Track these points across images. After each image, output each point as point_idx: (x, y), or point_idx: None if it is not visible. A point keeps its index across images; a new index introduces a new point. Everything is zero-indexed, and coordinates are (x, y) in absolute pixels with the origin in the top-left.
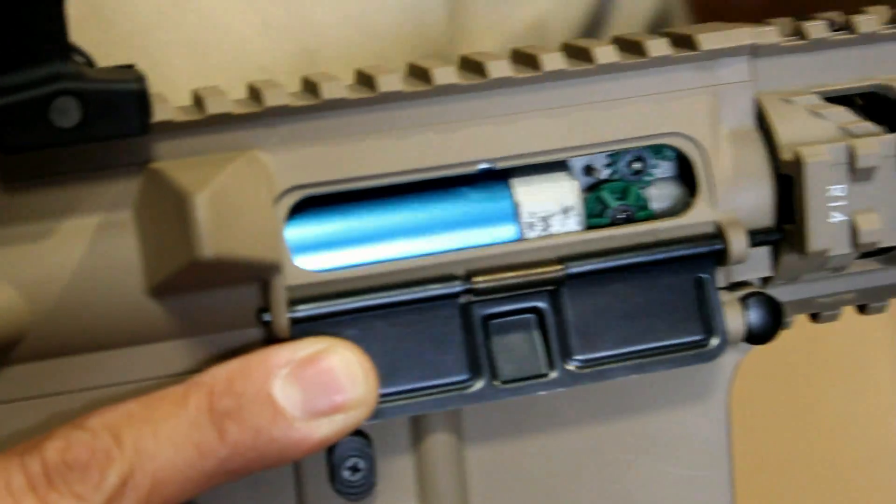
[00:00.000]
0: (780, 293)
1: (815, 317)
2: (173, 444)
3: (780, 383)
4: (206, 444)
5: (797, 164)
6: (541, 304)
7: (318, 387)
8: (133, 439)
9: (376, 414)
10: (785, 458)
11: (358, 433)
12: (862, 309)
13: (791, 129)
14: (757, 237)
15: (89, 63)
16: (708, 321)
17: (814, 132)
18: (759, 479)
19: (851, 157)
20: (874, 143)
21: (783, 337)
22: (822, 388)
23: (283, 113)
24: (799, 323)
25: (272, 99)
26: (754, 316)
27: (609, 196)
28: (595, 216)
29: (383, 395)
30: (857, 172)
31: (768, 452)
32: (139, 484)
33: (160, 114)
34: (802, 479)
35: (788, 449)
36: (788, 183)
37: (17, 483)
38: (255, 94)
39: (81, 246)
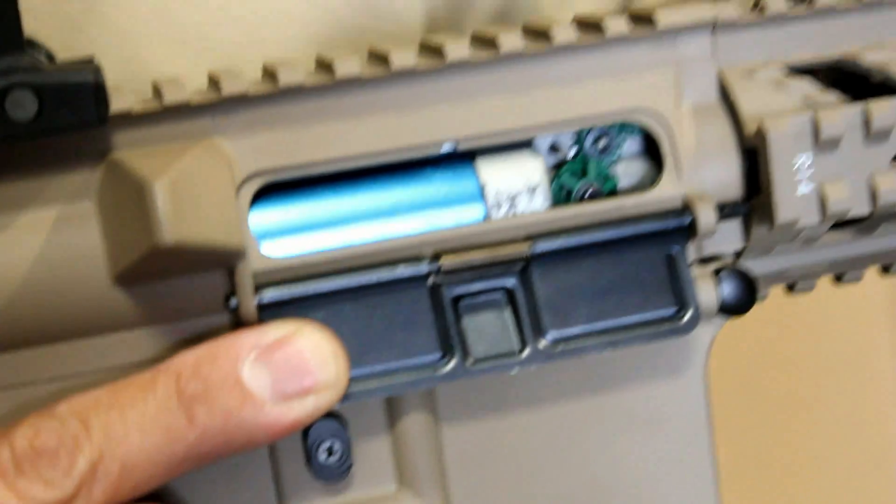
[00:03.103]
0: (754, 266)
1: (790, 288)
2: (142, 429)
3: (778, 380)
4: (174, 428)
5: (761, 136)
6: (510, 283)
7: (287, 370)
8: (102, 425)
9: (348, 396)
10: (784, 455)
11: (332, 415)
12: (838, 279)
13: (754, 102)
14: (725, 210)
15: (50, 56)
16: (680, 295)
17: (777, 104)
18: (758, 477)
19: (815, 128)
20: (838, 113)
21: (782, 332)
22: (822, 385)
23: (241, 101)
24: (799, 317)
25: (230, 87)
26: (727, 289)
27: (569, 178)
28: (561, 203)
29: (354, 378)
30: (821, 143)
31: (767, 451)
32: (109, 469)
33: (118, 104)
34: (802, 477)
35: (788, 446)
36: (755, 156)
37: None
38: (213, 82)
39: (44, 237)
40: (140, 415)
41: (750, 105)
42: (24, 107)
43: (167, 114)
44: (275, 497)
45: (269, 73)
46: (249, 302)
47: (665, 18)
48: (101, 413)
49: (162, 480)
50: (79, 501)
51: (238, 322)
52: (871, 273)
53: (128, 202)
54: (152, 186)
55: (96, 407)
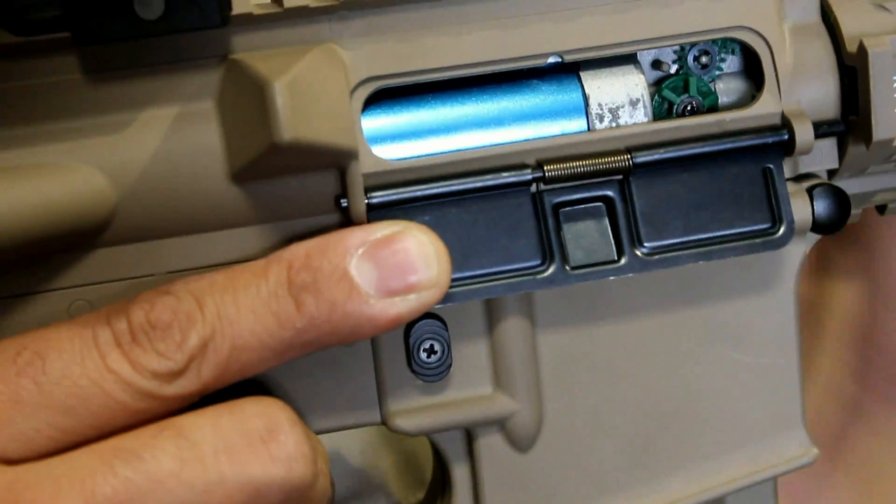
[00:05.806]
0: (847, 186)
1: (881, 209)
2: (253, 312)
3: None
4: (283, 314)
5: (861, 54)
6: (610, 193)
7: (392, 266)
8: (215, 304)
9: (449, 297)
10: None
11: (434, 316)
12: None
13: (855, 22)
14: (822, 128)
15: None
16: (775, 210)
17: (878, 24)
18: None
19: None
20: None
21: None
22: None
23: (357, 6)
24: None
25: None
26: (821, 206)
27: (670, 93)
28: (662, 117)
29: (456, 280)
30: None
31: None
32: (219, 347)
33: (239, 7)
34: None
35: None
36: (853, 75)
37: (104, 338)
38: None
39: (166, 134)
40: (252, 299)
41: (851, 24)
42: (151, 6)
43: (286, 17)
44: (375, 393)
45: None
46: (360, 202)
47: None
48: (215, 294)
49: (268, 365)
50: (189, 375)
51: (347, 222)
52: None
53: (247, 102)
54: (273, 85)
55: (211, 288)
